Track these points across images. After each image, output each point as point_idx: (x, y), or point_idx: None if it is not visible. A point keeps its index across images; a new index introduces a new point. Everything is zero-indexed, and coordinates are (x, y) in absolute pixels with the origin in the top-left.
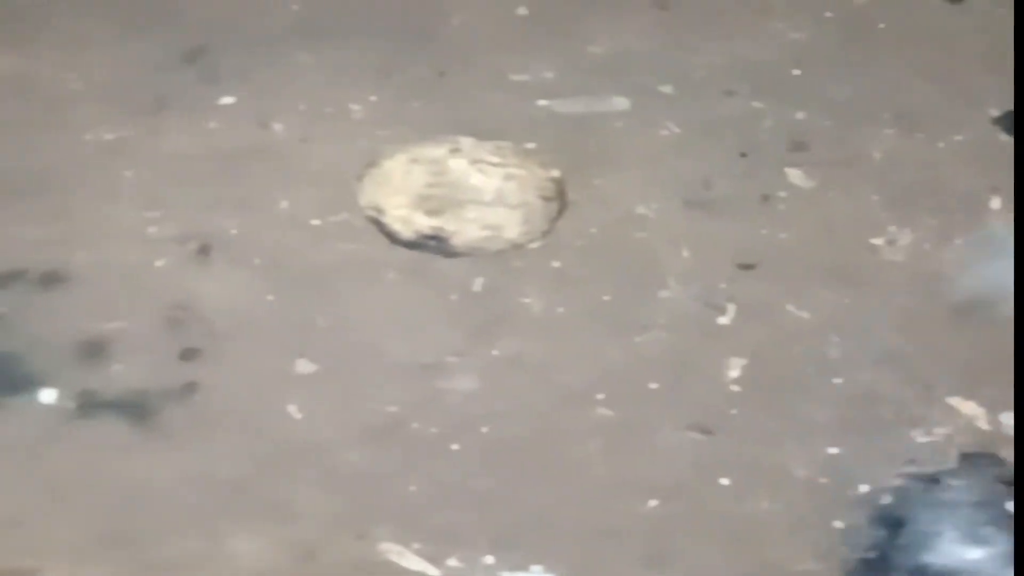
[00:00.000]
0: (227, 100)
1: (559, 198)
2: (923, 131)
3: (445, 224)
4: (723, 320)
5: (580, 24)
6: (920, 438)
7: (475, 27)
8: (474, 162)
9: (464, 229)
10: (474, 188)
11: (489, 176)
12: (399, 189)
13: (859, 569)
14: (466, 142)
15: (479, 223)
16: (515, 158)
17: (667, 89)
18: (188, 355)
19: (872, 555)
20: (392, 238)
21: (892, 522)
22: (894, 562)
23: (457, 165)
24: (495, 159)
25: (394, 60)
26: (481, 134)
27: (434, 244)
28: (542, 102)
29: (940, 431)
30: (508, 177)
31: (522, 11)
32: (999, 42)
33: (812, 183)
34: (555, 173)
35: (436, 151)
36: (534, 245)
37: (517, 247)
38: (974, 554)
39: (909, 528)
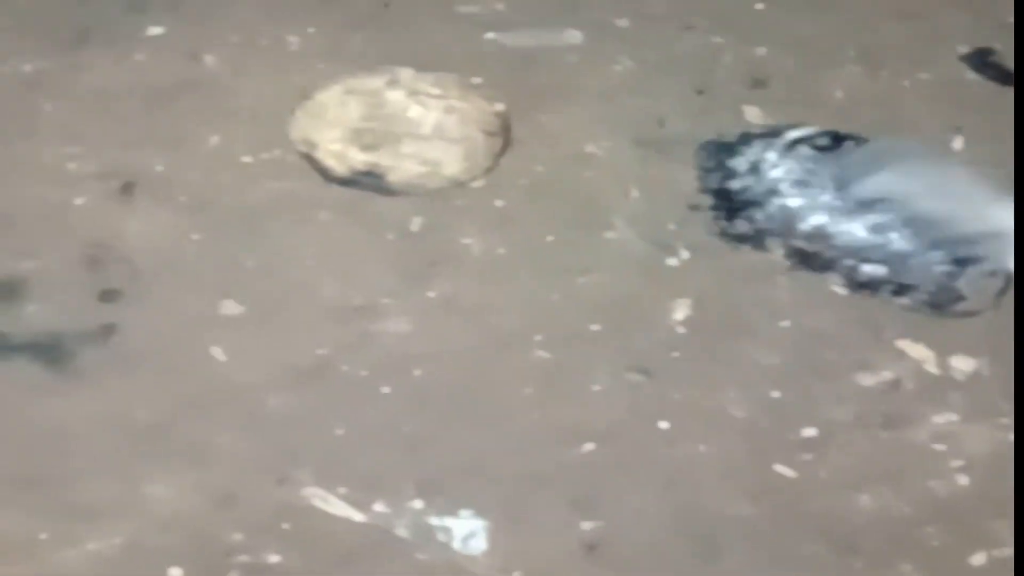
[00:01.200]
0: (155, 31)
1: (503, 133)
2: (887, 69)
3: (380, 159)
4: (672, 262)
5: None
6: (866, 381)
7: None
8: (412, 94)
9: (401, 165)
10: (412, 121)
11: (428, 109)
12: (333, 123)
13: None
14: (405, 73)
15: (417, 158)
16: (457, 91)
17: (623, 23)
18: (107, 296)
19: None
20: (325, 175)
21: None
22: None
23: (395, 97)
24: (435, 91)
25: None
26: (423, 66)
27: (369, 180)
28: (490, 35)
29: (887, 374)
30: (449, 110)
31: None
32: None
33: (770, 122)
34: (499, 107)
35: (373, 83)
36: (476, 183)
37: (458, 184)
38: None
39: None
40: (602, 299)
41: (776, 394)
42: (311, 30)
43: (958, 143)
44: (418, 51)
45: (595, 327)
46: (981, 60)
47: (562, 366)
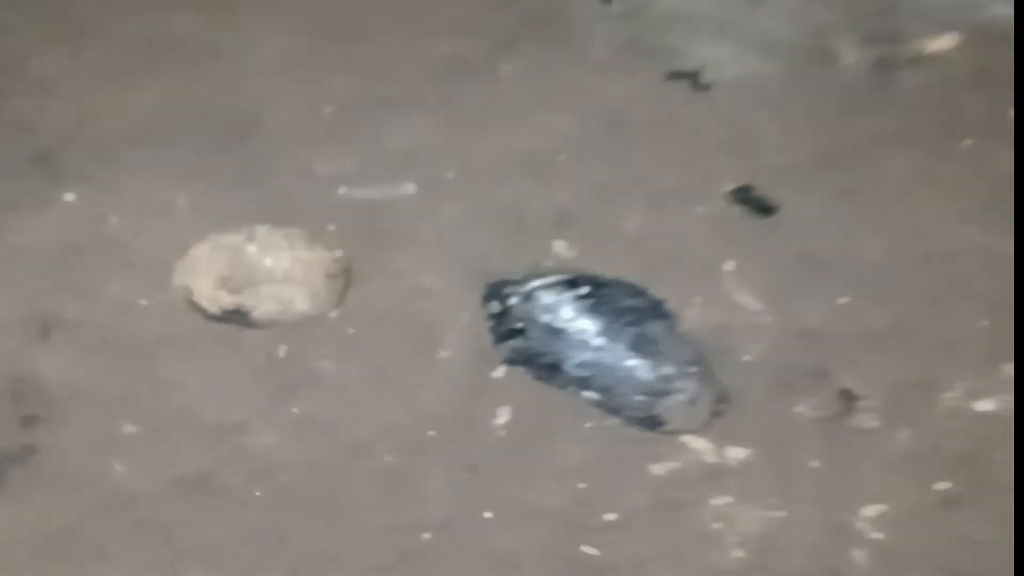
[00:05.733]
0: (69, 197)
1: (343, 275)
2: (669, 206)
3: (245, 300)
4: (496, 374)
5: (378, 122)
6: (657, 471)
7: (287, 127)
8: (265, 247)
9: (262, 304)
10: (267, 269)
11: (278, 259)
12: (205, 272)
13: None
14: (261, 229)
15: (274, 299)
16: (303, 242)
17: (450, 175)
18: (28, 422)
19: None
20: (204, 314)
21: None
22: None
23: (251, 250)
24: (284, 244)
25: (215, 159)
26: (279, 221)
27: (238, 317)
28: (342, 189)
29: (673, 464)
30: (295, 259)
31: (328, 110)
32: (734, 126)
33: (574, 253)
34: (339, 253)
35: (234, 238)
36: (332, 315)
37: (313, 318)
38: None
39: None
40: (437, 409)
41: (583, 485)
42: (194, 193)
43: (729, 265)
44: (278, 207)
45: (432, 433)
46: (744, 195)
47: (404, 468)
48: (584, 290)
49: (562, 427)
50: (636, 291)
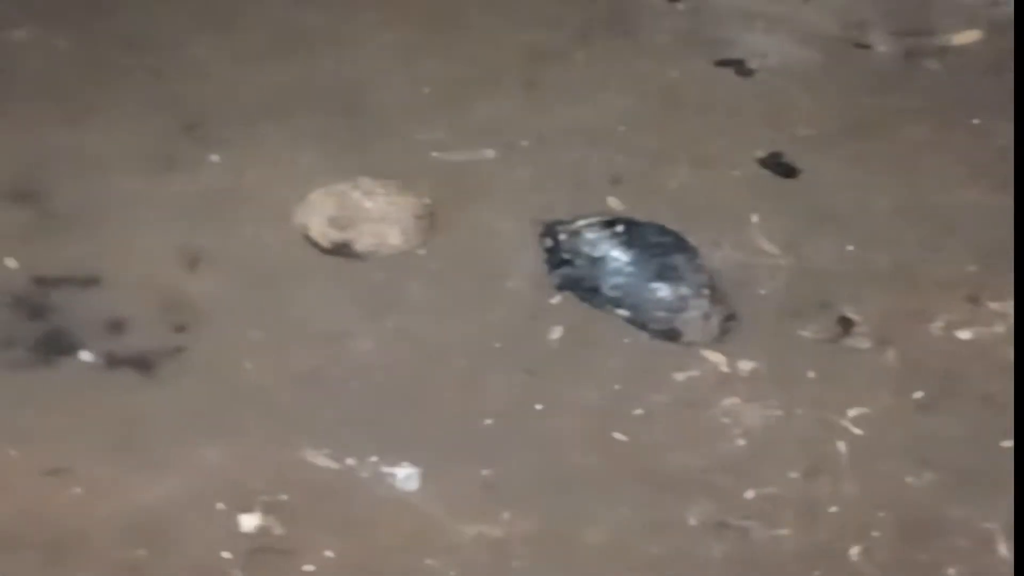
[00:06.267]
0: (214, 158)
1: (429, 217)
2: (708, 169)
3: (349, 236)
4: (552, 301)
5: (467, 99)
6: (679, 377)
7: (391, 103)
8: (367, 193)
9: (362, 238)
10: (367, 210)
11: (376, 202)
12: (318, 213)
13: None
14: (364, 180)
15: (372, 234)
16: (397, 190)
17: (525, 143)
18: (178, 328)
19: None
20: (317, 247)
21: None
22: None
23: (355, 195)
24: (382, 191)
25: (331, 128)
26: (380, 175)
27: (344, 250)
28: (435, 153)
29: (694, 372)
30: (390, 203)
31: (426, 90)
32: (772, 104)
33: (624, 206)
34: (427, 200)
35: (342, 187)
36: (420, 251)
37: (405, 252)
38: None
39: None
40: (503, 326)
41: (617, 387)
42: (313, 154)
43: (755, 218)
44: (382, 165)
45: (497, 344)
46: (773, 160)
47: (474, 370)
48: (620, 228)
49: (604, 341)
50: (664, 231)
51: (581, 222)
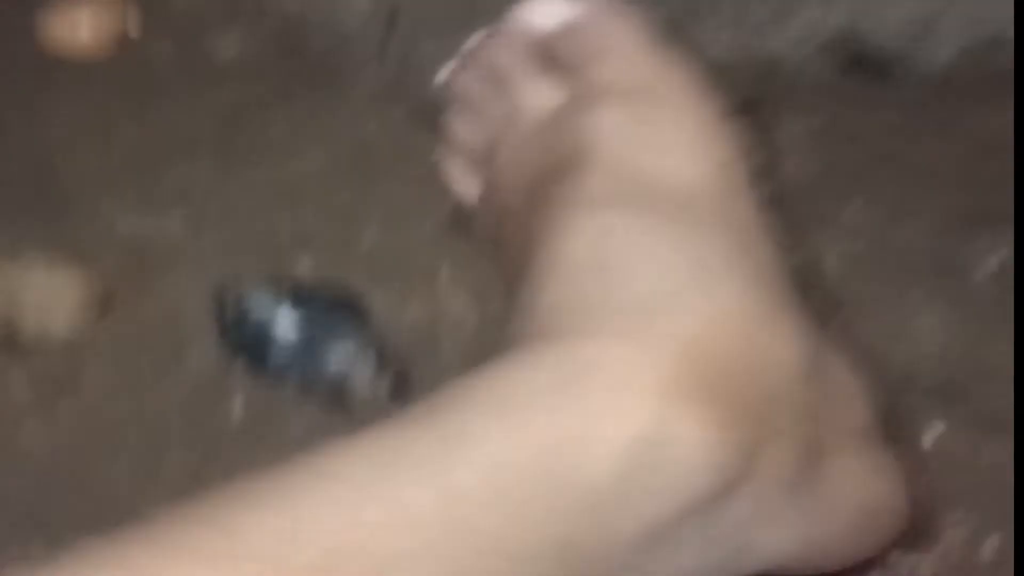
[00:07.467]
0: None
1: (106, 294)
2: (400, 225)
3: (11, 321)
4: (232, 373)
5: (159, 166)
6: None
7: (83, 173)
8: (34, 272)
9: (26, 325)
10: (33, 291)
11: (48, 281)
12: None
13: None
14: (33, 257)
15: (37, 319)
16: (71, 265)
17: (215, 209)
18: None
19: None
20: None
21: None
22: None
23: (22, 275)
24: (55, 268)
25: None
26: (60, 249)
27: (9, 337)
28: (120, 225)
29: None
30: (63, 282)
31: (117, 159)
32: None
33: (314, 269)
34: (106, 275)
35: (7, 265)
36: (97, 331)
37: (79, 332)
38: None
39: None
40: (181, 403)
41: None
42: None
43: (444, 272)
44: (65, 239)
45: (174, 422)
46: (465, 214)
47: (149, 450)
48: (289, 292)
49: (281, 411)
50: (338, 293)
51: (250, 289)
